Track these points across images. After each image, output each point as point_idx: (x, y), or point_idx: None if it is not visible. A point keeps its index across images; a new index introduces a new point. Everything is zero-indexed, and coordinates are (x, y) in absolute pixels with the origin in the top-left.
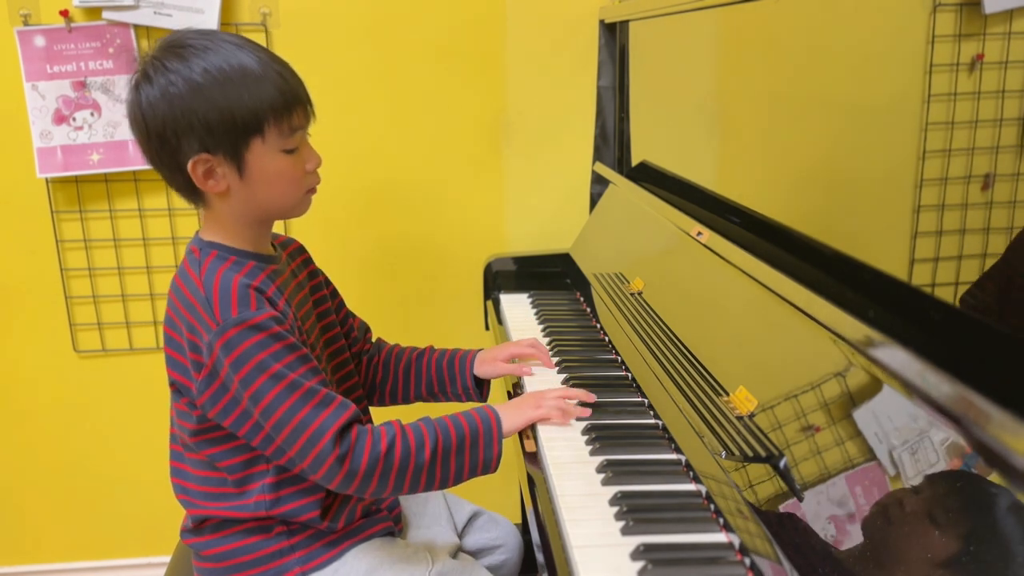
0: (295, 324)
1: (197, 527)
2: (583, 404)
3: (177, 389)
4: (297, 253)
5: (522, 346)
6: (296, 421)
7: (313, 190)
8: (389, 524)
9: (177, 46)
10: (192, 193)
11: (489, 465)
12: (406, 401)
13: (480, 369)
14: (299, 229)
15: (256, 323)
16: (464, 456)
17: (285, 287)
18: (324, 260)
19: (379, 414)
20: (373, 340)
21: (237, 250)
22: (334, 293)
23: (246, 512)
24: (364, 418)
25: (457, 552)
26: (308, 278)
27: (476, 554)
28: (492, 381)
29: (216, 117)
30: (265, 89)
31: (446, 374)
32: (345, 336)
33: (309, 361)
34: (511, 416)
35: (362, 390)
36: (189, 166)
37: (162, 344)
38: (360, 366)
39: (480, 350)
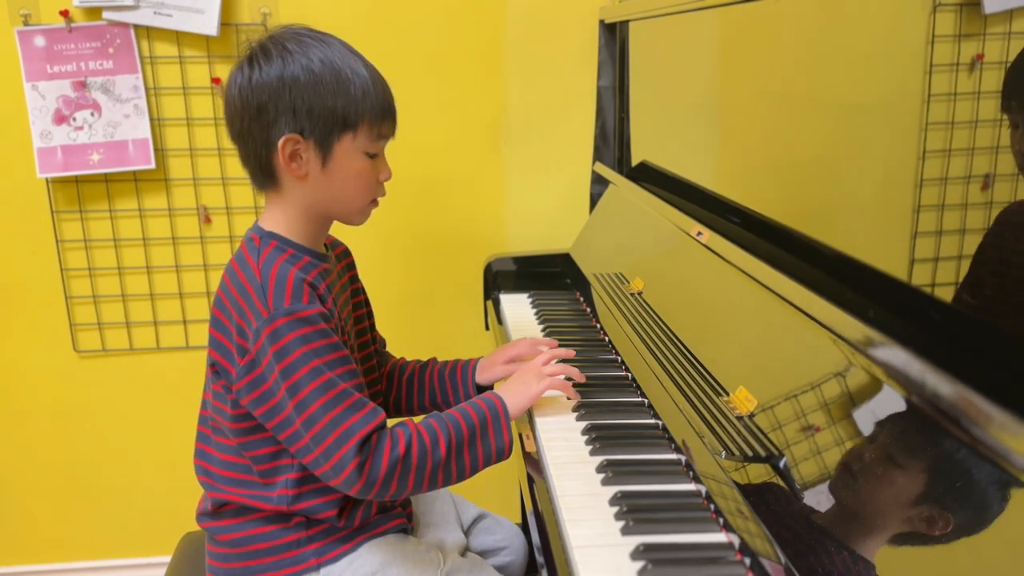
0: (339, 324)
1: (216, 511)
2: (565, 362)
3: (216, 371)
4: (344, 256)
5: (520, 347)
6: (327, 420)
7: (376, 202)
8: (403, 521)
9: (296, 34)
10: (267, 174)
11: (503, 452)
12: (410, 413)
13: (481, 376)
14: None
15: (305, 316)
16: (477, 448)
17: (333, 287)
18: None
19: None
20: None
21: (295, 243)
22: (367, 302)
23: (268, 504)
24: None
25: (465, 551)
26: (350, 282)
27: (481, 556)
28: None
29: (320, 104)
30: (369, 93)
31: (448, 384)
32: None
33: (348, 363)
34: (516, 397)
35: (383, 397)
36: (280, 143)
37: (162, 344)
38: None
39: (480, 358)
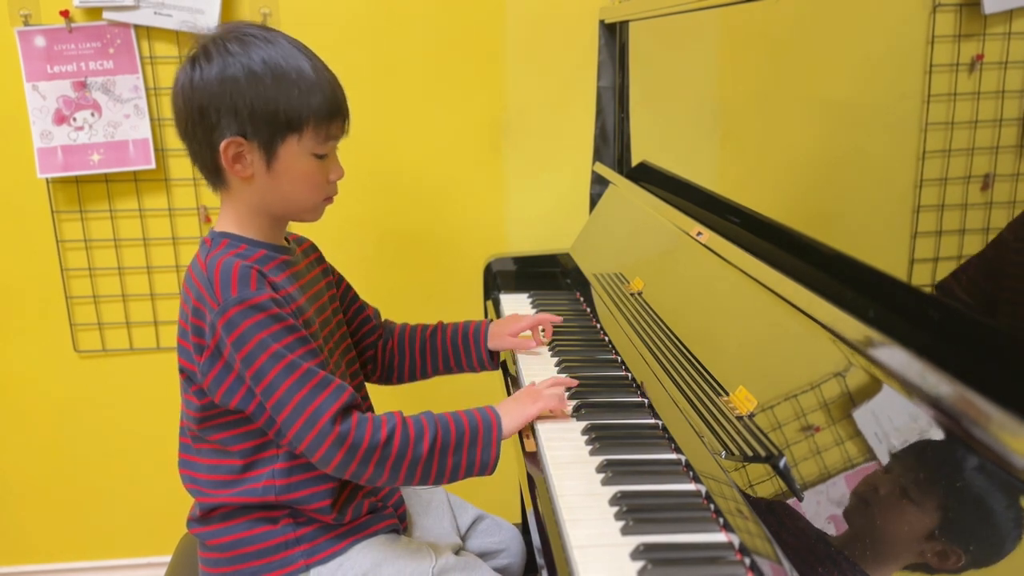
0: (305, 309)
1: (204, 516)
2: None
3: (187, 376)
4: (311, 250)
5: (525, 322)
6: (295, 401)
7: (330, 199)
8: (394, 521)
9: (240, 33)
10: (214, 174)
11: (486, 466)
12: (424, 377)
13: (492, 343)
14: (298, 230)
15: (256, 303)
16: (462, 454)
17: (299, 277)
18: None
19: (387, 400)
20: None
21: (249, 240)
22: (342, 284)
23: (255, 497)
24: (364, 405)
25: (459, 551)
26: (322, 274)
27: (480, 557)
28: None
29: (262, 106)
30: (315, 93)
31: (461, 348)
32: (361, 325)
33: (308, 343)
34: (511, 417)
35: (364, 387)
36: (222, 146)
37: (162, 344)
38: (376, 350)
39: (491, 322)
